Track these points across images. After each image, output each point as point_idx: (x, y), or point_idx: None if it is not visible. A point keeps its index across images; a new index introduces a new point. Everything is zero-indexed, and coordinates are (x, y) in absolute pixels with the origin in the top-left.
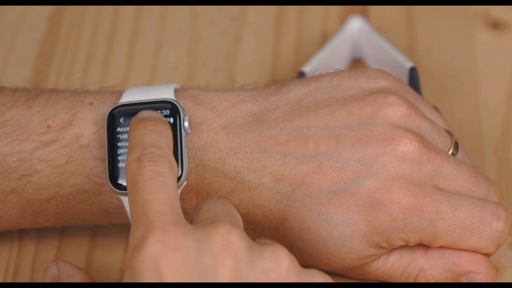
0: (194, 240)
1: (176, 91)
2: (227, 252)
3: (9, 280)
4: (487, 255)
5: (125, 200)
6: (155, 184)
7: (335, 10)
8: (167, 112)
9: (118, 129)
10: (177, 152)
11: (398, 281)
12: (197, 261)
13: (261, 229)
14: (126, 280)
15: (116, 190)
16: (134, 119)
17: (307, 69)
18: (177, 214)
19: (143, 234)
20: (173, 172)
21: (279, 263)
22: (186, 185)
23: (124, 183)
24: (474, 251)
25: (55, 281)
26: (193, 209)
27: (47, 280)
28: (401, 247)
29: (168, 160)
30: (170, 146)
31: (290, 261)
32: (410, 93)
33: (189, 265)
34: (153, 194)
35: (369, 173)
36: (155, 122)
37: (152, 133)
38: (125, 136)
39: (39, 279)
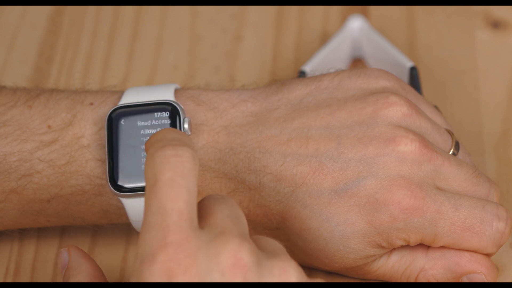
0: (204, 256)
1: (176, 91)
2: (236, 270)
3: (9, 280)
4: (488, 255)
5: (125, 202)
6: (175, 188)
7: (335, 9)
8: (167, 113)
9: (118, 131)
10: None
11: (398, 281)
12: (206, 278)
13: (262, 229)
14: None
15: (116, 192)
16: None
17: (307, 68)
18: (192, 223)
19: (156, 248)
20: (195, 169)
21: (287, 280)
22: None
23: (124, 185)
24: (475, 251)
25: (65, 268)
26: (197, 204)
27: (59, 265)
28: (402, 247)
29: (192, 156)
30: (192, 144)
31: (298, 276)
32: (411, 92)
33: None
34: (171, 202)
35: (370, 173)
36: (175, 129)
37: (173, 132)
38: (124, 139)
39: (39, 279)
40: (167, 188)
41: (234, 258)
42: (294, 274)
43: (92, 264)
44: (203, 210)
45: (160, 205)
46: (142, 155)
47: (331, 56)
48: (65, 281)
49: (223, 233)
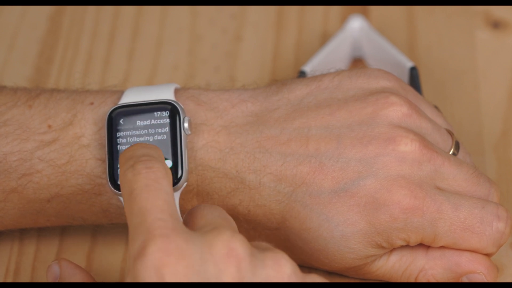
0: (196, 247)
1: (176, 91)
2: (230, 260)
3: (9, 280)
4: (488, 255)
5: None
6: (151, 191)
7: (335, 9)
8: (167, 113)
9: (118, 130)
10: (177, 153)
11: (398, 281)
12: (200, 269)
13: (262, 229)
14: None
15: (116, 191)
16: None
17: (307, 68)
18: (176, 220)
19: (144, 242)
20: (168, 178)
21: (281, 270)
22: (186, 186)
23: None
24: (475, 251)
25: (57, 281)
26: (186, 214)
27: (49, 279)
28: (402, 247)
29: (162, 166)
30: (162, 159)
31: (292, 268)
32: (411, 92)
33: (192, 273)
34: (150, 201)
35: (369, 173)
36: (145, 144)
37: (143, 148)
38: (125, 137)
39: (39, 279)
40: (144, 192)
41: (227, 248)
42: (287, 265)
43: (86, 274)
44: (193, 216)
45: (140, 206)
46: None
47: (331, 56)
48: None
49: (215, 228)
